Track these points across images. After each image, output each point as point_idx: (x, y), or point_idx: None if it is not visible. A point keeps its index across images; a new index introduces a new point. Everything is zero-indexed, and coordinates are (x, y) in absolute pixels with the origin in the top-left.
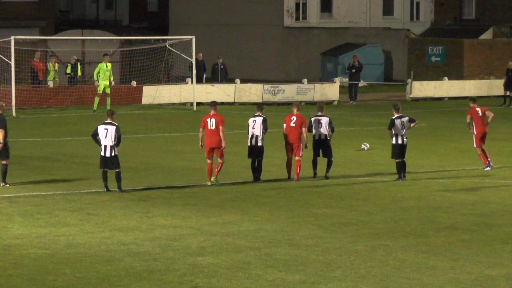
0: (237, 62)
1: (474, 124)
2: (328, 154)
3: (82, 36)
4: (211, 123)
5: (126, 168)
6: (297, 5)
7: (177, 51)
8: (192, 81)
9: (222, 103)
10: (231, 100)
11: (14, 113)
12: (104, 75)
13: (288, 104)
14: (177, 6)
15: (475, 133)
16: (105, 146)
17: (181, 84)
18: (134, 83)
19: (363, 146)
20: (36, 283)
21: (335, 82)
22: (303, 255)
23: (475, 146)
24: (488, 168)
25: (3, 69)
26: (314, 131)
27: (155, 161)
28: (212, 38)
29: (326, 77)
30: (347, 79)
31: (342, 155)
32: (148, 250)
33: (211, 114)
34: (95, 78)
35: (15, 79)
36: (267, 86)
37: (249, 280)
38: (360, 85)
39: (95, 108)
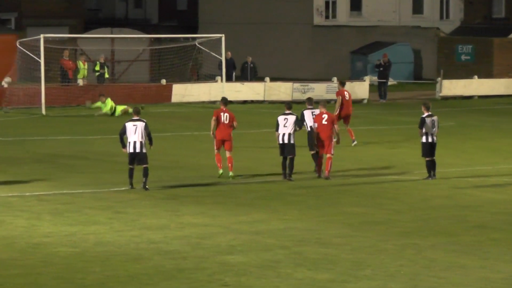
0: (266, 61)
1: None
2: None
3: (112, 34)
4: (225, 117)
5: (155, 167)
6: (327, 3)
7: (206, 50)
8: (221, 80)
9: (252, 102)
10: (260, 98)
11: (43, 111)
12: None
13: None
14: (207, 5)
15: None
16: (134, 142)
17: (210, 82)
18: (163, 82)
19: None
20: (65, 282)
21: (364, 81)
22: (333, 253)
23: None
24: None
25: (33, 67)
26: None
27: (184, 159)
28: (241, 37)
29: (355, 76)
30: (376, 78)
31: (371, 154)
32: (177, 248)
33: (224, 109)
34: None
35: (45, 77)
36: (296, 85)
37: (279, 278)
38: (389, 83)
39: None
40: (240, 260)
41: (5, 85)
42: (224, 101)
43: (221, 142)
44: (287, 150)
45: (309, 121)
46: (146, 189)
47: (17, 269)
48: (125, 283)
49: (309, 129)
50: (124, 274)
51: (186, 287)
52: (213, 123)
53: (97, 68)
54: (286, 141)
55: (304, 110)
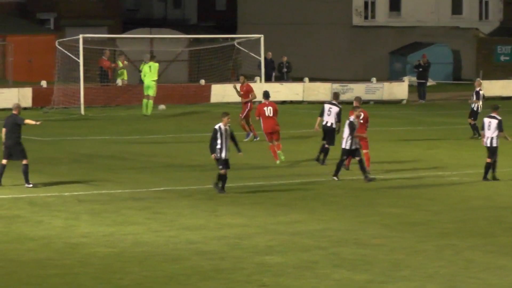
0: (304, 61)
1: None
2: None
3: (150, 35)
4: (269, 110)
5: (194, 167)
6: (366, 4)
7: (245, 50)
8: (261, 80)
9: (291, 102)
10: (299, 98)
11: (82, 111)
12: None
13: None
14: (245, 5)
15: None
16: (224, 148)
17: (250, 82)
18: (202, 82)
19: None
20: (103, 282)
21: (403, 81)
22: (370, 254)
23: None
24: None
25: (72, 67)
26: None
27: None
28: (279, 37)
29: (394, 76)
30: (415, 78)
31: (410, 155)
32: (215, 249)
33: (266, 103)
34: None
35: (84, 77)
36: (335, 85)
37: (316, 279)
38: (428, 84)
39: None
40: (278, 260)
41: (161, 109)
42: (266, 94)
43: (271, 134)
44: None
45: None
46: (222, 191)
47: (55, 269)
48: (163, 284)
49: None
50: (162, 275)
51: None
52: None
53: (141, 67)
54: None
55: (325, 103)
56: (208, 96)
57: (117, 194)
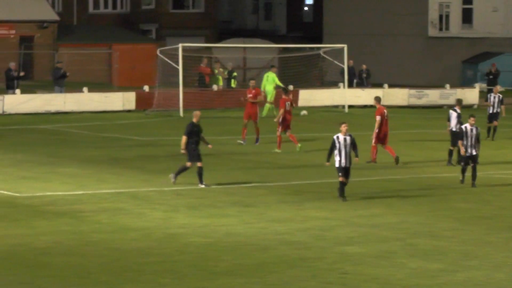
0: (383, 68)
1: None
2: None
3: (243, 44)
4: (386, 113)
5: (281, 166)
6: (440, 16)
7: (330, 58)
8: (344, 86)
9: (371, 106)
10: None
11: (181, 114)
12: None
13: (433, 107)
14: (331, 17)
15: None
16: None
17: (333, 88)
18: (291, 87)
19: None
20: (199, 269)
21: (475, 88)
22: (443, 245)
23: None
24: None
25: (171, 73)
26: None
27: (308, 158)
28: (361, 47)
29: (466, 83)
30: (486, 85)
31: (480, 154)
32: (301, 239)
33: (382, 106)
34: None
35: (182, 82)
36: (412, 91)
37: (394, 268)
38: None
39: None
40: (358, 250)
41: (303, 114)
42: (379, 99)
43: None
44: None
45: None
46: (344, 198)
47: (154, 257)
48: (253, 271)
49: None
50: (252, 263)
51: (309, 275)
52: (378, 123)
53: (225, 75)
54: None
55: (451, 110)
56: (296, 101)
57: (212, 189)
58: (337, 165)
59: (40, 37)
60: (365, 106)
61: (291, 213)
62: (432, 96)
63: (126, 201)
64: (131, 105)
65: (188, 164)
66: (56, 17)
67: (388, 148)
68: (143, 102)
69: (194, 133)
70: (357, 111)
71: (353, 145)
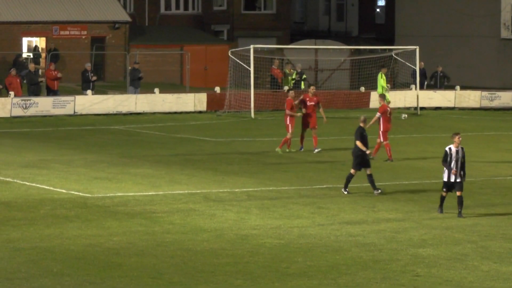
0: (455, 70)
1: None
2: None
3: (315, 45)
4: (390, 110)
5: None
6: None
7: (402, 60)
8: (415, 87)
9: (446, 108)
10: (451, 105)
11: (252, 115)
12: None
13: (505, 110)
14: (403, 19)
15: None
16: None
17: (405, 90)
18: (362, 89)
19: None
20: (271, 270)
21: None
22: None
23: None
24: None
25: (243, 75)
26: None
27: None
28: (433, 48)
29: None
30: None
31: None
32: (373, 241)
33: (386, 104)
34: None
35: (254, 84)
36: (484, 93)
37: (466, 270)
38: None
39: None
40: (431, 253)
41: (404, 117)
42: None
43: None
44: None
45: None
46: (461, 216)
47: (227, 258)
48: (325, 272)
49: None
50: (325, 264)
51: (381, 277)
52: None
53: (293, 76)
54: None
55: None
56: (367, 102)
57: (284, 190)
58: (445, 179)
59: (112, 38)
60: (437, 108)
61: (364, 215)
62: (504, 98)
63: (198, 202)
64: (203, 106)
65: (352, 171)
66: (128, 18)
67: (387, 145)
68: (214, 103)
69: (364, 138)
70: (430, 113)
71: (463, 158)
